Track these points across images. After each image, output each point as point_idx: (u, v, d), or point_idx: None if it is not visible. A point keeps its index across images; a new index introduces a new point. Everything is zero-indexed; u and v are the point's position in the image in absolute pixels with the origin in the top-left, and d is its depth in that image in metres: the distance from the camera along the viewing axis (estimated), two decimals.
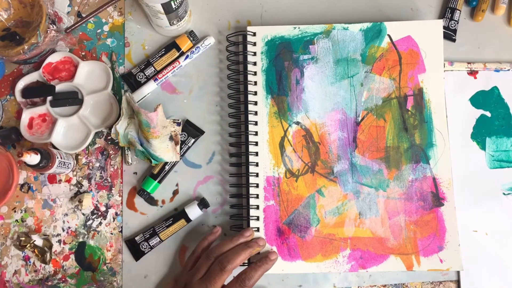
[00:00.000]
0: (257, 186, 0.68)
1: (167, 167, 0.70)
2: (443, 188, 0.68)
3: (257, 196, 0.67)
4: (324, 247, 0.67)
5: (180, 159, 0.71)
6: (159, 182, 0.70)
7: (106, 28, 0.76)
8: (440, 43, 0.70)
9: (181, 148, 0.70)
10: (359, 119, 0.69)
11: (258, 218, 0.67)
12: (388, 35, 0.71)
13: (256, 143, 0.69)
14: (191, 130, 0.71)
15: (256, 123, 0.69)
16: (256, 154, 0.68)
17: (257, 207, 0.67)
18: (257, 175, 0.68)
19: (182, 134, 0.70)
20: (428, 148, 0.69)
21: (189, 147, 0.71)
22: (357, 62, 0.70)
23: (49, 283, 0.69)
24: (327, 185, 0.68)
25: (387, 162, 0.68)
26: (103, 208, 0.71)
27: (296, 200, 0.68)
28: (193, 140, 0.70)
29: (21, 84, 0.73)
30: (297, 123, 0.69)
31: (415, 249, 0.66)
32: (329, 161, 0.69)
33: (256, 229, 0.67)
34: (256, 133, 0.69)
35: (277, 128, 0.69)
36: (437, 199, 0.67)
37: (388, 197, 0.68)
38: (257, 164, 0.68)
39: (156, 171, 0.69)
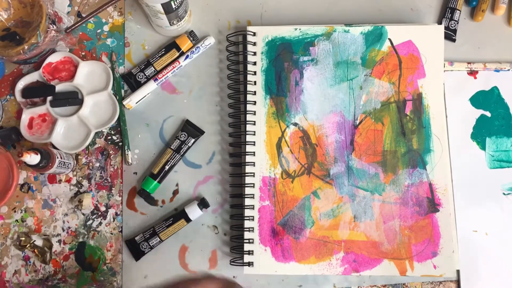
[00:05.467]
0: (253, 186, 0.68)
1: (167, 167, 0.70)
2: (439, 194, 0.68)
3: (253, 196, 0.67)
4: (318, 249, 0.67)
5: (180, 159, 0.71)
6: (159, 182, 0.70)
7: (106, 28, 0.76)
8: (440, 49, 0.70)
9: (181, 148, 0.70)
10: (357, 122, 0.69)
11: (253, 218, 0.67)
12: (389, 39, 0.71)
13: (254, 143, 0.69)
14: (191, 130, 0.71)
15: (254, 123, 0.69)
16: (254, 154, 0.68)
17: (253, 207, 0.67)
18: (253, 175, 0.68)
19: (182, 134, 0.70)
20: (426, 153, 0.68)
21: (189, 147, 0.71)
22: (357, 65, 0.70)
23: (49, 283, 0.69)
24: (323, 187, 0.68)
25: (383, 166, 0.68)
26: (103, 208, 0.71)
27: (291, 201, 0.68)
28: (193, 140, 0.70)
29: (21, 84, 0.73)
30: (295, 124, 0.69)
31: (409, 254, 0.66)
32: (325, 163, 0.69)
33: (251, 229, 0.67)
34: (254, 133, 0.69)
35: (275, 128, 0.69)
36: (433, 205, 0.67)
37: (384, 201, 0.68)
38: (254, 164, 0.68)
39: (156, 171, 0.69)
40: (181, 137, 0.70)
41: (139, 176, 0.71)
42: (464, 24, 0.75)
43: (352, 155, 0.69)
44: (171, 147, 0.70)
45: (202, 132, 0.72)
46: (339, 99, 0.70)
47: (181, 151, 0.70)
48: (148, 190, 0.69)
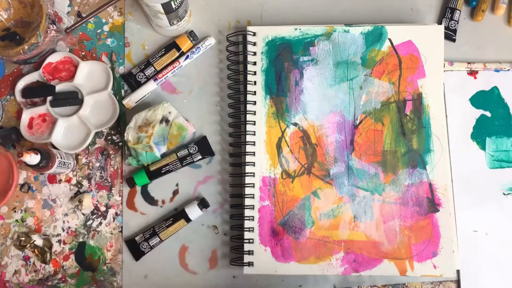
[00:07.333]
0: (253, 186, 0.68)
1: (163, 170, 0.69)
2: (439, 194, 0.68)
3: (253, 196, 0.67)
4: (318, 249, 0.67)
5: (180, 168, 0.70)
6: (150, 179, 0.69)
7: (106, 28, 0.76)
8: (440, 49, 0.70)
9: (185, 159, 0.69)
10: (357, 122, 0.69)
11: (253, 218, 0.67)
12: (389, 39, 0.71)
13: (254, 143, 0.69)
14: (203, 147, 0.70)
15: (254, 123, 0.69)
16: (254, 154, 0.68)
17: (253, 207, 0.67)
18: (253, 175, 0.68)
19: (193, 146, 0.70)
20: (425, 153, 0.68)
21: (193, 162, 0.70)
22: (357, 65, 0.70)
23: (49, 283, 0.69)
24: (323, 187, 0.68)
25: (383, 166, 0.68)
26: (103, 208, 0.71)
27: (291, 201, 0.68)
28: (200, 157, 0.70)
29: (21, 84, 0.73)
30: (295, 124, 0.69)
31: (409, 254, 0.66)
32: (325, 163, 0.69)
33: (251, 229, 0.67)
34: (254, 133, 0.69)
35: (275, 128, 0.69)
36: (433, 205, 0.67)
37: (384, 201, 0.68)
38: (254, 164, 0.68)
39: (152, 168, 0.69)
40: (190, 149, 0.70)
41: None
42: (464, 24, 0.75)
43: (352, 155, 0.69)
44: (177, 153, 0.69)
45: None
46: (339, 99, 0.70)
47: (183, 162, 0.69)
48: (136, 181, 0.69)
